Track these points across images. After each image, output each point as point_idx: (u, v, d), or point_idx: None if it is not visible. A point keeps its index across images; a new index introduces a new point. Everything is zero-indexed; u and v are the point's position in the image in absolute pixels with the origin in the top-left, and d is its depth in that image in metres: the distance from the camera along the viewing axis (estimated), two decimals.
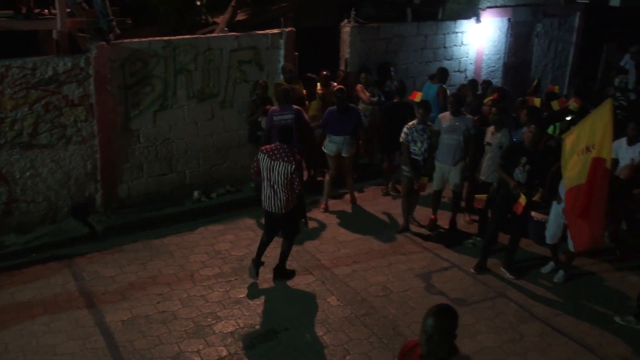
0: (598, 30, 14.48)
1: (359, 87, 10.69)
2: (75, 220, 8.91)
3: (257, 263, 7.70)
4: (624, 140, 8.54)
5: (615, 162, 8.55)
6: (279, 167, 7.18)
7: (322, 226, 9.34)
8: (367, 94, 10.65)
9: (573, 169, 7.23)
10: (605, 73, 14.25)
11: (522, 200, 7.59)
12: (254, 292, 7.53)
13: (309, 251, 8.55)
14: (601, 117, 6.94)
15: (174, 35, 9.61)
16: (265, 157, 7.27)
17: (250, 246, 8.60)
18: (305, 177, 10.34)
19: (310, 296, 7.48)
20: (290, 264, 8.05)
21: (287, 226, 7.65)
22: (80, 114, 8.70)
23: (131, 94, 9.06)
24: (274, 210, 7.41)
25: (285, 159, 7.17)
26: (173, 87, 9.39)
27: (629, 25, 14.46)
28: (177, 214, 9.41)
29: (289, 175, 7.18)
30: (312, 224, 9.26)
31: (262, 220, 8.08)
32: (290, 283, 7.74)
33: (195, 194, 9.81)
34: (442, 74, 11.06)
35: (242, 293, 7.50)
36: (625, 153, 8.49)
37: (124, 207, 9.33)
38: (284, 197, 7.30)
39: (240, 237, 8.92)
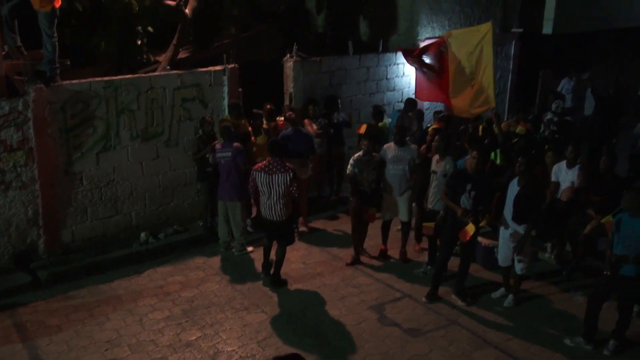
0: (533, 57, 14.98)
1: (306, 120, 10.75)
2: (17, 269, 8.61)
3: (266, 265, 8.68)
4: (563, 164, 8.77)
5: (557, 185, 8.79)
6: (278, 180, 8.09)
7: (273, 262, 9.24)
8: (315, 127, 10.71)
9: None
10: (542, 98, 14.72)
11: (470, 228, 7.69)
12: (206, 334, 7.38)
13: (260, 289, 8.46)
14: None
15: (115, 75, 9.51)
16: (262, 173, 8.15)
17: (201, 286, 8.47)
18: (253, 214, 10.34)
19: (263, 334, 7.37)
20: (242, 303, 7.97)
21: (285, 233, 8.47)
22: (20, 158, 8.49)
23: (73, 136, 8.90)
24: (275, 219, 8.25)
25: (282, 170, 8.11)
26: (116, 128, 9.26)
27: (562, 51, 15.04)
28: (124, 257, 9.21)
29: (288, 183, 8.07)
30: (262, 260, 9.19)
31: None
32: (242, 322, 7.62)
33: (143, 235, 9.63)
34: (410, 104, 11.41)
35: (194, 335, 7.34)
36: (565, 176, 8.71)
37: (69, 252, 9.09)
38: (283, 205, 8.17)
39: (190, 277, 8.77)
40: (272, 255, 8.64)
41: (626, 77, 15.82)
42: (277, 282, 8.49)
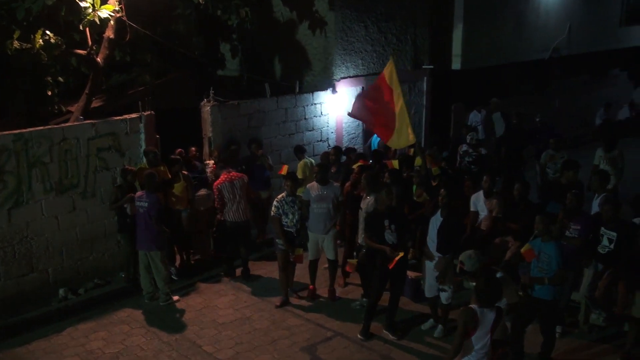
0: (445, 92, 15.51)
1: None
2: None
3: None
4: (481, 193, 9.06)
5: (476, 214, 9.05)
6: (239, 184, 9.71)
7: (201, 309, 9.05)
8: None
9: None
10: (455, 131, 15.21)
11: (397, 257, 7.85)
12: None
13: (189, 338, 8.22)
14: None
15: (26, 128, 9.18)
16: (226, 183, 9.64)
17: (126, 341, 8.16)
18: (177, 262, 10.12)
19: None
20: (170, 355, 7.75)
21: (248, 234, 10.15)
22: None
23: None
24: (242, 220, 9.79)
25: (240, 175, 9.89)
26: (28, 182, 8.89)
27: (470, 85, 15.66)
28: (42, 317, 8.77)
29: (246, 186, 9.84)
30: (189, 309, 9.00)
31: None
32: None
33: (61, 291, 9.22)
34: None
35: None
36: (483, 205, 8.99)
37: None
38: (245, 206, 9.80)
39: (113, 332, 8.43)
40: None
41: (527, 107, 16.62)
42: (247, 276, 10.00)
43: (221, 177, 9.78)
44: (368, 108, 10.31)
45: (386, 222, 7.88)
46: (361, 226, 8.85)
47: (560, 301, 8.05)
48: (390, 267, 7.85)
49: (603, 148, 11.40)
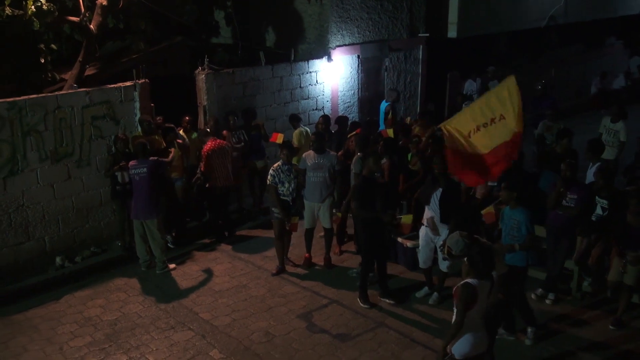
0: (441, 61, 15.44)
1: (225, 132, 10.67)
2: None
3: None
4: None
5: None
6: (224, 151, 9.99)
7: (197, 277, 9.11)
8: (234, 140, 10.67)
9: (484, 138, 7.87)
10: (451, 99, 15.19)
11: (407, 219, 8.13)
12: (131, 357, 7.16)
13: (186, 306, 8.29)
14: (506, 91, 7.77)
15: (19, 96, 9.11)
16: (216, 149, 9.90)
17: (123, 308, 8.22)
18: (173, 232, 10.16)
19: (191, 352, 7.22)
20: (167, 322, 7.83)
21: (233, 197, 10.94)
22: None
23: None
24: (232, 184, 10.33)
25: (225, 142, 10.16)
26: (22, 150, 8.86)
27: (466, 54, 15.60)
28: (39, 284, 8.81)
29: (230, 151, 10.22)
30: (185, 277, 9.06)
31: None
32: (169, 342, 7.44)
33: (58, 259, 9.25)
34: (392, 94, 12.92)
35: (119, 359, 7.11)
36: None
37: None
38: (231, 171, 10.15)
39: (111, 299, 8.49)
40: None
41: (523, 76, 16.57)
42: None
43: (208, 144, 9.95)
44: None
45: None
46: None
47: (553, 270, 8.18)
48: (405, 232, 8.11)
49: (611, 119, 11.30)
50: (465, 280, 5.49)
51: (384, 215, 7.86)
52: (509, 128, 7.74)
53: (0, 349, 7.33)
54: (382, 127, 11.91)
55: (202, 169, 10.00)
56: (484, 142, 7.94)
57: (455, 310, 5.54)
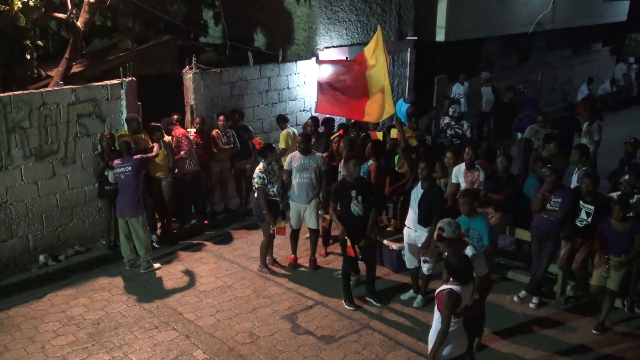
0: (429, 64, 15.51)
1: (215, 132, 10.65)
2: None
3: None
4: (462, 165, 9.11)
5: (457, 186, 9.10)
6: (189, 139, 10.30)
7: (182, 277, 9.08)
8: (223, 141, 10.64)
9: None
10: (439, 103, 15.24)
11: (349, 242, 8.01)
12: (114, 356, 7.11)
13: (170, 306, 8.25)
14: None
15: (3, 92, 9.02)
16: (185, 136, 10.11)
17: (106, 307, 8.17)
18: (158, 230, 10.11)
19: (175, 352, 7.19)
20: (151, 322, 7.80)
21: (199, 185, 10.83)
22: None
23: None
24: (197, 170, 10.44)
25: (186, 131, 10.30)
26: (7, 147, 8.77)
27: (455, 57, 15.67)
28: (21, 282, 8.73)
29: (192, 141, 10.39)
30: (170, 277, 9.02)
31: None
32: (153, 341, 7.40)
33: (41, 258, 9.17)
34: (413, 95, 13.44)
35: (102, 359, 7.05)
36: (465, 177, 9.05)
37: None
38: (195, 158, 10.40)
39: (94, 299, 8.43)
40: None
41: (510, 80, 16.69)
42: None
43: (176, 131, 10.26)
44: (334, 94, 9.75)
45: (353, 193, 7.93)
46: None
47: (537, 273, 8.23)
48: (347, 254, 8.01)
49: (588, 123, 11.55)
50: (449, 287, 5.49)
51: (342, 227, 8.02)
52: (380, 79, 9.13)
53: None
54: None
55: (179, 154, 10.15)
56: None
57: (438, 316, 5.54)
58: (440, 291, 5.51)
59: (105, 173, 9.26)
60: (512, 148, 12.73)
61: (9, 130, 8.76)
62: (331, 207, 8.20)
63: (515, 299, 8.31)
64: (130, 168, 8.81)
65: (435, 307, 5.59)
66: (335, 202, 8.11)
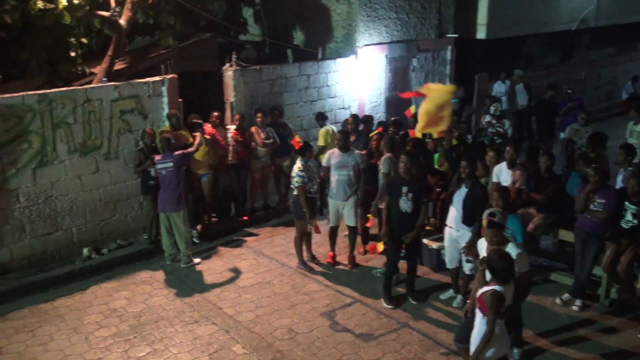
0: (469, 62, 15.34)
1: (253, 129, 10.70)
2: None
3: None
4: (504, 164, 8.98)
5: (498, 185, 8.96)
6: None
7: (222, 272, 9.15)
8: (262, 136, 10.69)
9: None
10: (479, 101, 15.07)
11: (380, 246, 8.30)
12: (155, 349, 7.20)
13: (210, 300, 8.33)
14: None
15: (49, 88, 9.21)
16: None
17: (148, 301, 8.29)
18: (199, 227, 10.20)
19: (215, 346, 7.25)
20: (191, 316, 7.90)
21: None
22: None
23: (6, 152, 8.56)
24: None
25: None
26: (52, 142, 8.96)
27: (496, 55, 15.46)
28: (66, 274, 8.92)
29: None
30: (210, 272, 9.10)
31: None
32: (193, 335, 7.48)
33: (85, 251, 9.35)
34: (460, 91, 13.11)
35: (143, 351, 7.16)
36: (506, 176, 8.92)
37: (7, 272, 8.73)
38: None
39: (136, 292, 8.56)
40: None
41: (552, 79, 16.39)
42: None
43: (207, 128, 10.23)
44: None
45: (404, 189, 7.88)
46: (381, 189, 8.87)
47: (580, 276, 8.07)
48: (373, 254, 8.16)
49: (634, 122, 11.24)
50: (492, 288, 5.40)
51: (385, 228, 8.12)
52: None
53: (28, 337, 7.43)
54: None
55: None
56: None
57: (480, 318, 5.45)
58: (483, 293, 5.43)
59: (149, 169, 9.38)
60: (555, 147, 12.54)
61: (54, 125, 8.94)
62: (385, 201, 8.18)
63: (557, 301, 8.17)
64: (171, 164, 8.92)
65: (477, 310, 5.52)
66: (387, 196, 8.11)
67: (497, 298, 5.34)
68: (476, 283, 6.06)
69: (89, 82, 10.50)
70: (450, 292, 8.41)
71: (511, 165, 8.85)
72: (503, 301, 5.38)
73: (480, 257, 6.17)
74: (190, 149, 9.37)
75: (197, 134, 9.63)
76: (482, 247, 6.33)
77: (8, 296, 8.32)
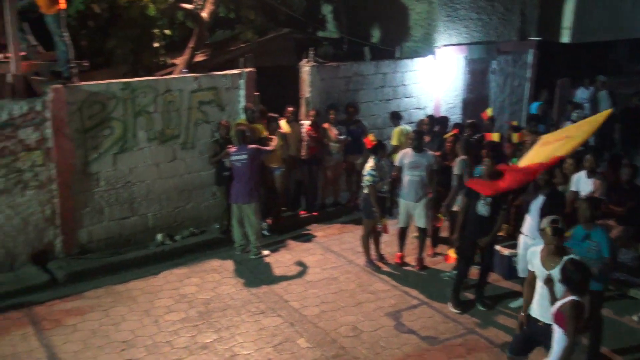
0: (551, 66, 14.90)
1: (326, 125, 10.74)
2: (34, 268, 8.60)
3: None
4: (583, 173, 8.68)
5: (576, 194, 8.69)
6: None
7: (290, 266, 9.22)
8: (335, 132, 10.71)
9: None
10: (560, 107, 14.62)
11: (451, 253, 8.15)
12: (221, 336, 7.33)
13: (276, 292, 8.40)
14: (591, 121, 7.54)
15: (132, 77, 9.50)
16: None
17: (216, 289, 8.44)
18: (269, 220, 10.30)
19: (279, 338, 7.31)
20: (257, 306, 8.00)
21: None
22: (37, 158, 8.50)
23: (90, 137, 8.89)
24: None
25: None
26: (133, 129, 9.24)
27: (580, 60, 14.95)
28: (140, 258, 9.18)
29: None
30: (278, 264, 9.19)
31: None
32: (258, 326, 7.57)
33: (159, 236, 9.61)
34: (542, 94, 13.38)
35: (209, 338, 7.29)
36: (585, 185, 8.62)
37: (85, 252, 9.07)
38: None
39: (206, 280, 8.73)
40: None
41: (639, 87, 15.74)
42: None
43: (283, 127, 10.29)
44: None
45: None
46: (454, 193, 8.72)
47: None
48: (447, 261, 8.17)
49: None
50: (571, 298, 5.19)
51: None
52: (558, 151, 7.29)
53: (102, 315, 7.70)
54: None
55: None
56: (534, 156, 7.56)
57: (560, 334, 5.24)
58: (562, 305, 5.20)
59: (224, 160, 9.55)
60: (638, 158, 12.03)
61: (135, 113, 9.22)
62: (462, 204, 8.06)
63: (635, 318, 7.83)
64: (245, 156, 9.04)
65: (555, 326, 5.30)
66: (466, 197, 7.97)
67: (578, 307, 5.12)
68: (526, 292, 6.02)
69: (170, 73, 10.78)
70: (520, 301, 8.14)
71: (591, 174, 8.55)
72: (583, 311, 5.16)
73: (530, 267, 6.04)
74: (268, 148, 9.45)
75: (275, 138, 9.73)
76: (536, 256, 6.08)
77: (85, 275, 8.65)
